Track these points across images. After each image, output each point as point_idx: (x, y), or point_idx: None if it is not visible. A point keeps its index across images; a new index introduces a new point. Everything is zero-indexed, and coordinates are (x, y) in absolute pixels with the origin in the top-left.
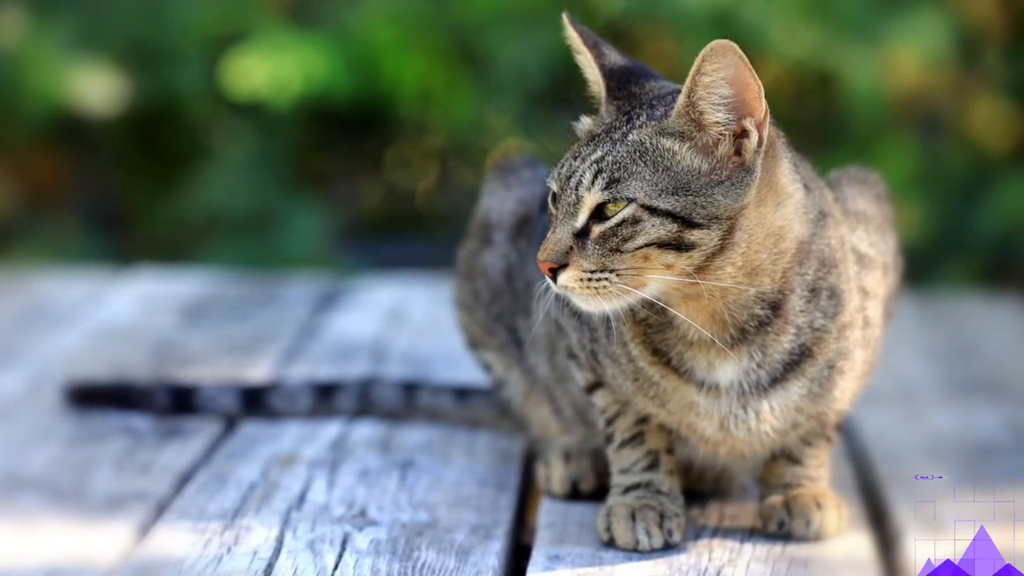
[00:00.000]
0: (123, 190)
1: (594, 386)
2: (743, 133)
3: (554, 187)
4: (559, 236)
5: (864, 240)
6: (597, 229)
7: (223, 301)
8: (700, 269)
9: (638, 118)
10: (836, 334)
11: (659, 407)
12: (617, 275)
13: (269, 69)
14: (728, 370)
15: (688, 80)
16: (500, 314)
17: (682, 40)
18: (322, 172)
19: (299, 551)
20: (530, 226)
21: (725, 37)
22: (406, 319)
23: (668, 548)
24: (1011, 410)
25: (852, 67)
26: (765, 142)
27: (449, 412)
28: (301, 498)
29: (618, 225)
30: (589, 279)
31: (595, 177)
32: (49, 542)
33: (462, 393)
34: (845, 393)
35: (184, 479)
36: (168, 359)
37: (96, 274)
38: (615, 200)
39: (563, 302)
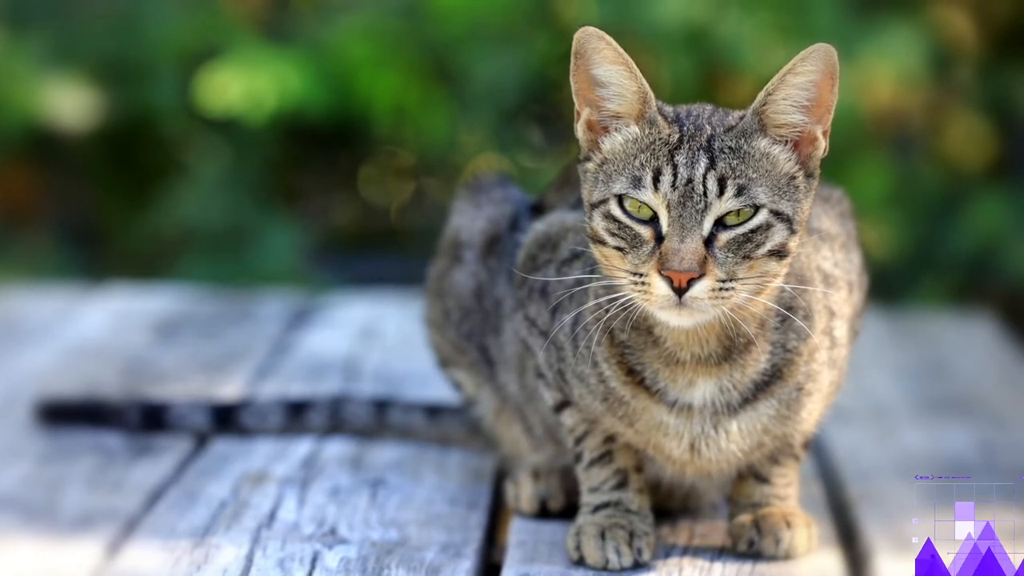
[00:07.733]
0: (97, 206)
1: (562, 405)
2: (807, 141)
3: (655, 199)
4: (693, 246)
5: (828, 260)
6: (724, 237)
7: (196, 318)
8: None
9: (708, 126)
10: (806, 356)
11: (627, 427)
12: (741, 284)
13: (243, 85)
14: (707, 389)
15: (775, 78)
16: (470, 333)
17: (658, 57)
18: (296, 188)
19: (269, 569)
20: (500, 245)
21: (702, 54)
22: (378, 336)
23: (638, 567)
24: (982, 429)
25: None
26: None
27: (420, 430)
28: (271, 516)
29: (752, 231)
30: (721, 289)
31: (722, 185)
32: (19, 560)
33: (433, 411)
34: (812, 415)
35: (154, 497)
36: (140, 376)
37: (69, 290)
38: (742, 207)
39: (530, 321)
